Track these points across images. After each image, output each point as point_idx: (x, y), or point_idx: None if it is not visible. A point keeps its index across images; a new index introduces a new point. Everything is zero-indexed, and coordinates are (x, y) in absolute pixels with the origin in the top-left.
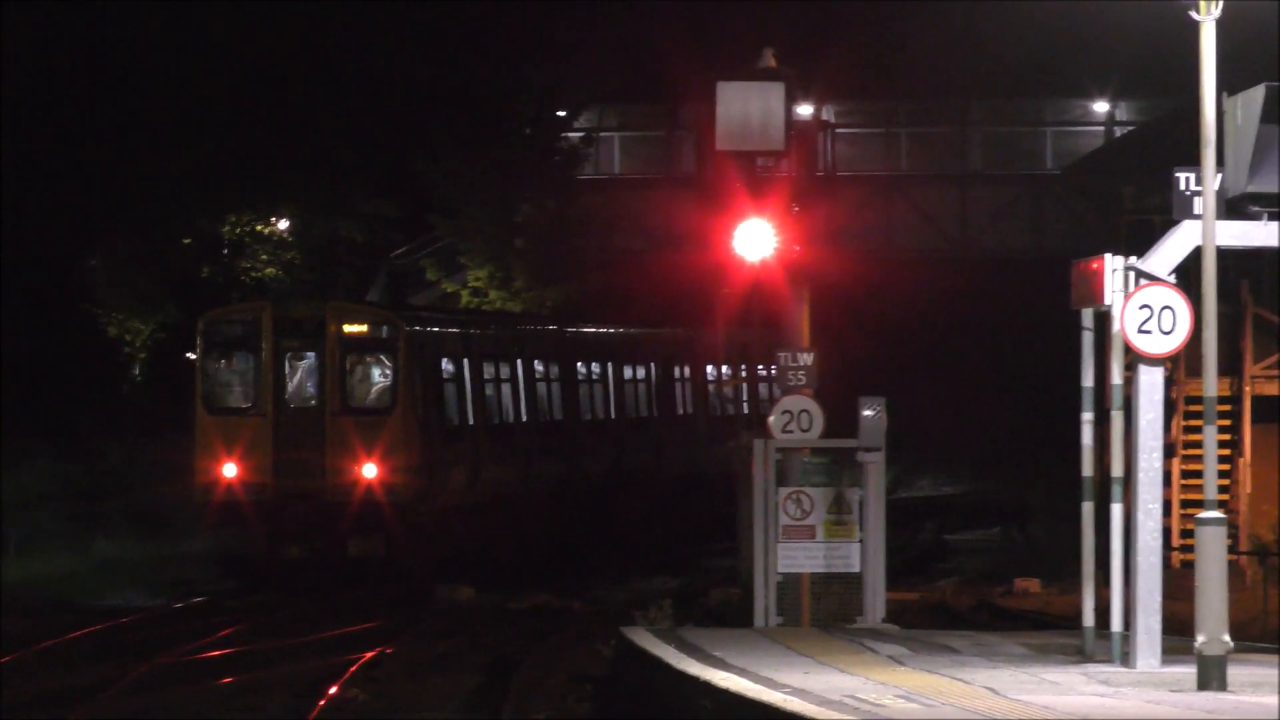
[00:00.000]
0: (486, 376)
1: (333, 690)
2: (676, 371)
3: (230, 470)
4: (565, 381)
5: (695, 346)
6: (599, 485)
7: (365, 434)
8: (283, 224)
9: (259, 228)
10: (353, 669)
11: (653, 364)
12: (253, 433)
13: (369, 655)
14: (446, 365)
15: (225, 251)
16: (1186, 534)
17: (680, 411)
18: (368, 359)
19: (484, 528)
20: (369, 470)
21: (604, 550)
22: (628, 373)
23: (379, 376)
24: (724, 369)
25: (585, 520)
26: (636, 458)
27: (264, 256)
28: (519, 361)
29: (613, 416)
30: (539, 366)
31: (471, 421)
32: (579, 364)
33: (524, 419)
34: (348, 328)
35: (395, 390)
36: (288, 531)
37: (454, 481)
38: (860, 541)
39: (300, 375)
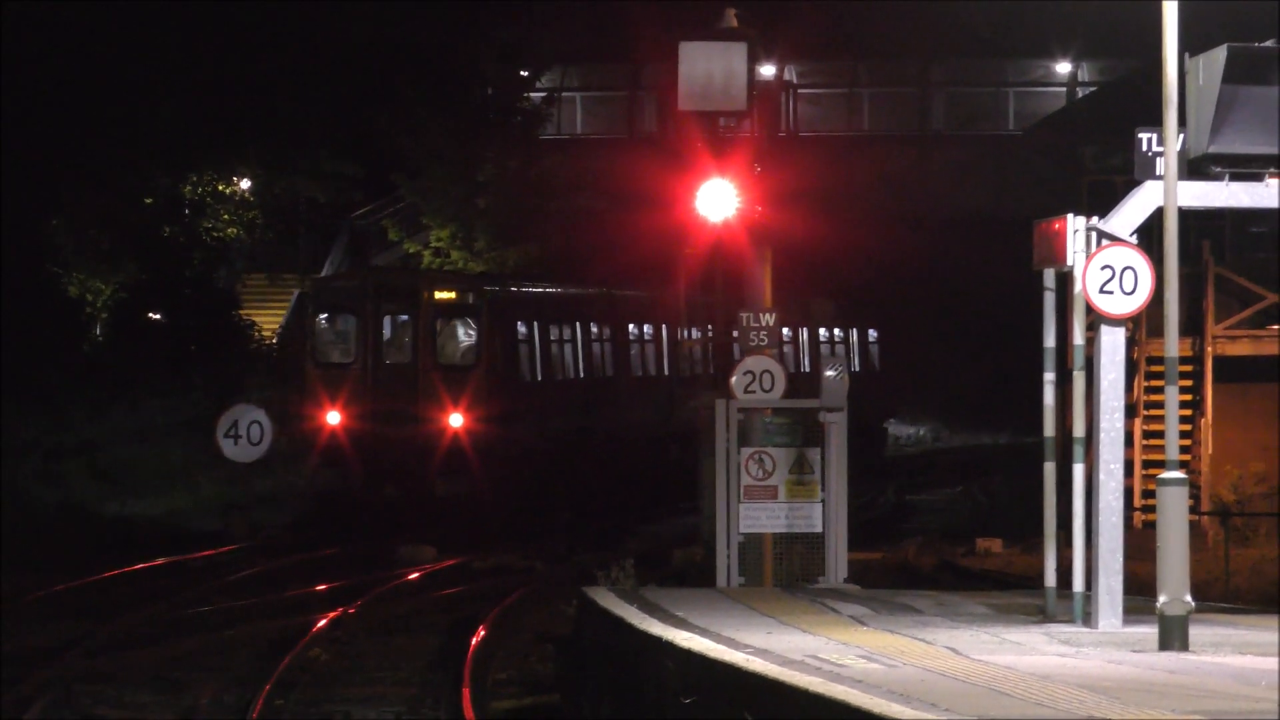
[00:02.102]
0: (552, 338)
1: (295, 650)
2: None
3: (334, 418)
4: (616, 342)
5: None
6: (649, 436)
7: (452, 387)
8: (244, 184)
9: (220, 187)
10: (315, 629)
11: (709, 325)
12: (354, 385)
13: (332, 615)
14: (521, 328)
15: (186, 211)
16: (1148, 494)
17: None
18: (455, 322)
19: (549, 473)
20: (455, 419)
21: (650, 494)
22: (681, 334)
23: (464, 337)
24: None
25: (636, 468)
26: (688, 412)
27: (226, 216)
28: (577, 324)
29: (665, 374)
30: (594, 328)
31: (540, 378)
32: (630, 325)
33: (582, 375)
34: (438, 294)
35: (479, 349)
36: (383, 473)
37: (526, 431)
38: (822, 501)
39: (396, 335)
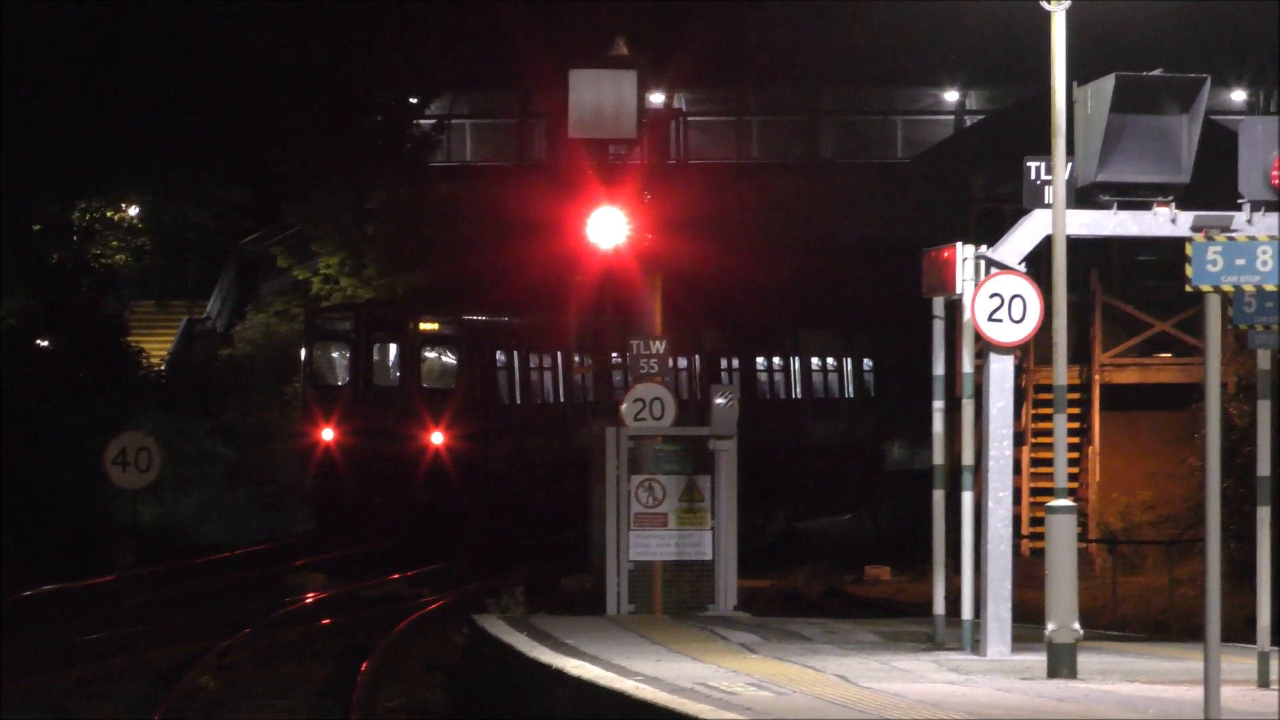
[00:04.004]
0: (531, 365)
1: (184, 678)
2: (724, 362)
3: (328, 434)
4: (600, 368)
5: (733, 337)
6: None
7: (434, 408)
8: (133, 210)
9: (109, 214)
10: (204, 657)
11: (697, 356)
12: (347, 405)
13: (222, 643)
14: (499, 356)
15: (75, 237)
16: (1036, 522)
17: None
18: (438, 350)
19: (528, 487)
20: (436, 437)
21: None
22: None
23: (446, 363)
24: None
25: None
26: None
27: (114, 243)
28: (558, 352)
29: None
30: (576, 357)
31: (519, 401)
32: (613, 354)
33: (561, 400)
34: (423, 325)
35: (458, 375)
36: (372, 484)
37: (504, 448)
38: (712, 529)
39: (385, 361)
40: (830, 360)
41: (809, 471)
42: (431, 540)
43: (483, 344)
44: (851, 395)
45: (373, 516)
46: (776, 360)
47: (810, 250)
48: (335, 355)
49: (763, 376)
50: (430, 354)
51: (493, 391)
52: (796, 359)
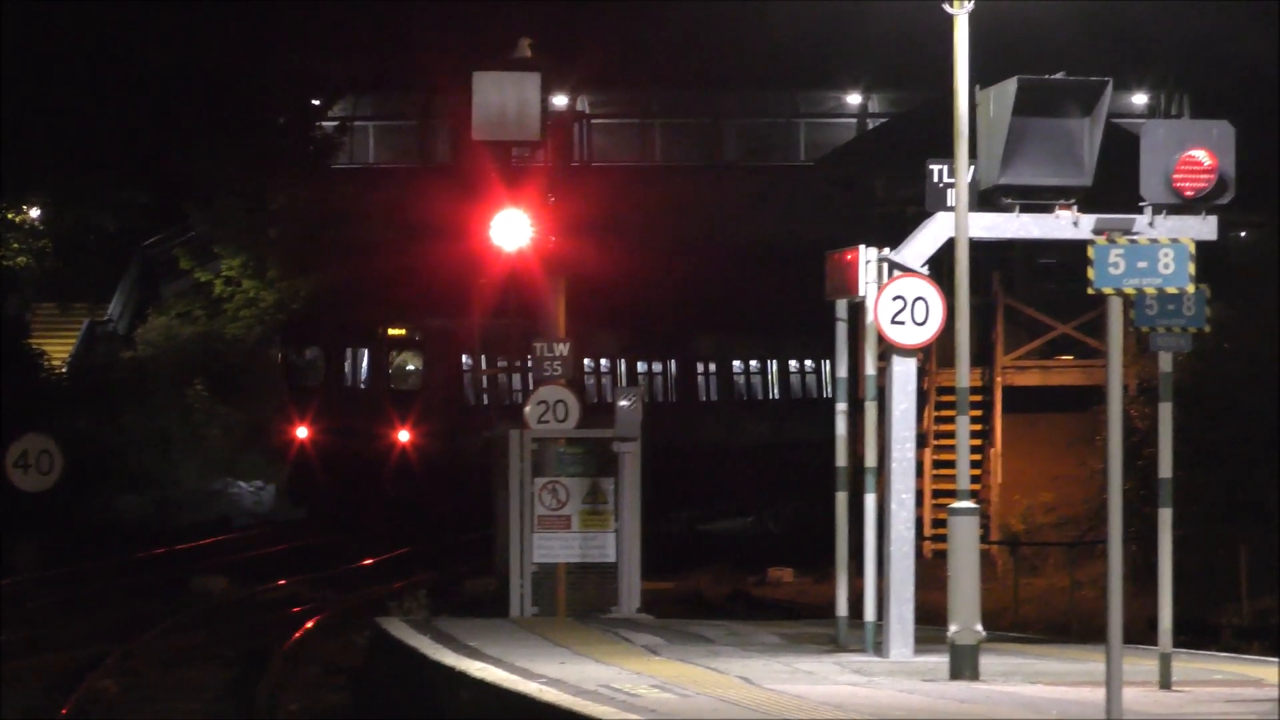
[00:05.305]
0: (499, 366)
1: (86, 682)
2: (700, 366)
3: (303, 432)
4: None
5: (711, 341)
6: None
7: (401, 408)
8: (34, 212)
9: (10, 215)
10: (106, 660)
11: (673, 360)
12: (320, 405)
13: (123, 646)
14: (465, 359)
15: None
16: (939, 524)
17: (702, 399)
18: (405, 354)
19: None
20: (403, 435)
21: None
22: (640, 366)
23: (412, 367)
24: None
25: None
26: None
27: (15, 245)
28: (528, 356)
29: (610, 400)
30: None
31: (486, 401)
32: (585, 360)
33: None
34: (391, 331)
35: (423, 377)
36: (343, 479)
37: (470, 445)
38: (615, 531)
39: (356, 365)
40: (809, 362)
41: (781, 469)
42: (398, 531)
43: (447, 348)
44: (830, 395)
45: (344, 508)
46: (754, 363)
47: (712, 254)
48: (310, 359)
49: (739, 380)
50: (397, 358)
51: (457, 392)
52: (774, 362)
